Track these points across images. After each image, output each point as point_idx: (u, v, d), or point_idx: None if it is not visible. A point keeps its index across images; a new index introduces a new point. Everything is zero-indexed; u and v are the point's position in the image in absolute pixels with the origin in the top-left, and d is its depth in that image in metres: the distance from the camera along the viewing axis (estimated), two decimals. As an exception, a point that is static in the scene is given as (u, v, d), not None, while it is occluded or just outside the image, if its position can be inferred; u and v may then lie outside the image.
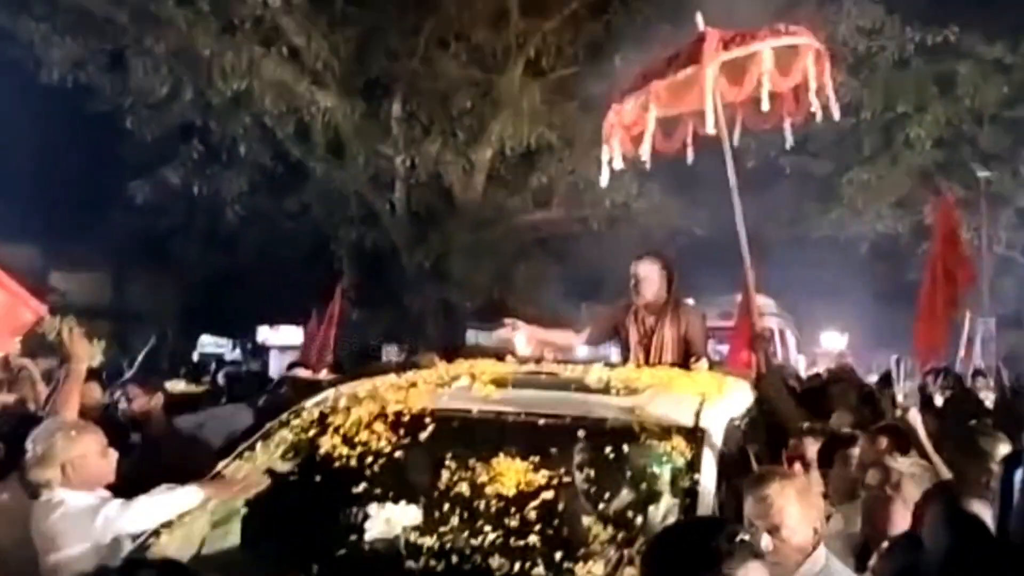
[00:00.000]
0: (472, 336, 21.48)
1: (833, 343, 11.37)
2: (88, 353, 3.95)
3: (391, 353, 19.83)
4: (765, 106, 5.17)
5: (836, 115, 5.78)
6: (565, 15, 16.32)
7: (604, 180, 5.90)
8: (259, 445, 3.55)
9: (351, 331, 16.88)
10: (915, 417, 3.77)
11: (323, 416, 3.55)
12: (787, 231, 20.03)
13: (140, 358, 11.36)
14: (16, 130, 17.14)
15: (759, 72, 5.11)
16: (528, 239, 19.08)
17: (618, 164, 5.76)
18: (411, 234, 17.59)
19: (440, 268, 17.44)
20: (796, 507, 2.65)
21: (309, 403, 3.74)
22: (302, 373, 8.31)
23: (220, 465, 3.47)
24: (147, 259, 20.93)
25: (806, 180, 20.07)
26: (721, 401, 3.61)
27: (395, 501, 3.07)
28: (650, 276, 5.01)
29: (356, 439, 3.32)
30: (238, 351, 20.43)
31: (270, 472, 3.37)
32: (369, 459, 3.25)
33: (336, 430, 3.40)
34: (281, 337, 19.03)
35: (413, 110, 17.09)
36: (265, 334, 20.07)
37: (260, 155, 16.96)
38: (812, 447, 3.93)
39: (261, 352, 18.51)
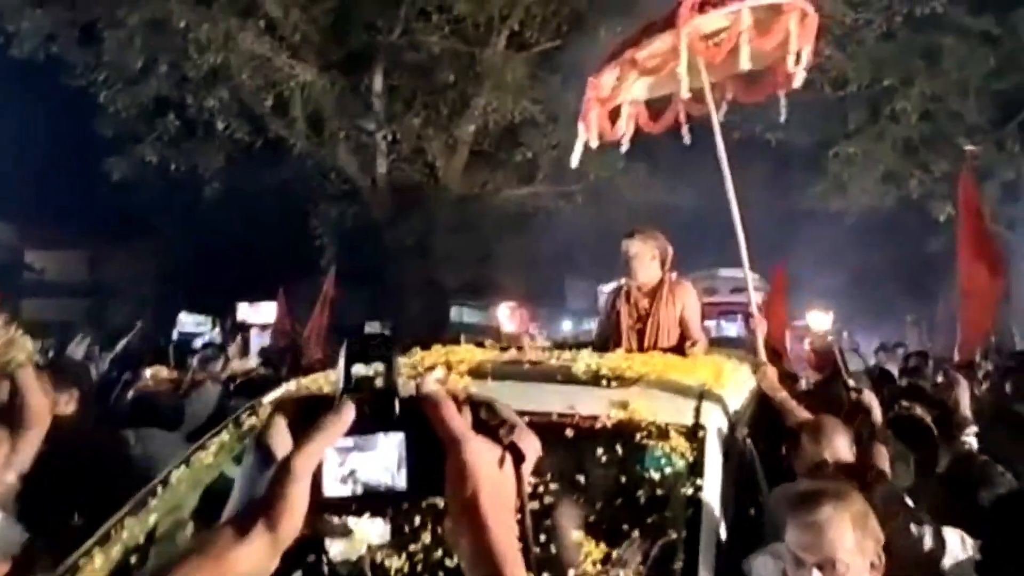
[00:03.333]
0: (456, 313, 21.28)
1: (819, 323, 11.09)
2: (28, 354, 3.44)
3: (374, 331, 19.60)
4: (745, 65, 4.87)
5: (799, 82, 5.53)
6: (548, -14, 16.01)
7: (575, 160, 5.62)
8: (211, 447, 3.20)
9: (333, 309, 16.62)
10: (870, 398, 3.59)
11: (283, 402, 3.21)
12: (772, 205, 19.85)
13: (124, 342, 11.08)
14: (-13, 106, 16.73)
15: (737, 32, 4.81)
16: (512, 215, 18.83)
17: (594, 143, 5.47)
18: (393, 210, 17.30)
19: (423, 245, 17.18)
20: (852, 536, 2.22)
21: (267, 399, 3.41)
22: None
23: (162, 475, 3.13)
24: (124, 236, 20.56)
25: (791, 154, 19.89)
26: (722, 393, 3.30)
27: (359, 514, 2.74)
28: (642, 254, 4.69)
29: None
30: (218, 330, 20.08)
31: (220, 480, 3.07)
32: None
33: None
34: (261, 315, 18.69)
35: (394, 84, 16.79)
36: (245, 312, 19.73)
37: (238, 130, 16.58)
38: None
39: (241, 330, 18.15)
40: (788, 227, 20.41)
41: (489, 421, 1.07)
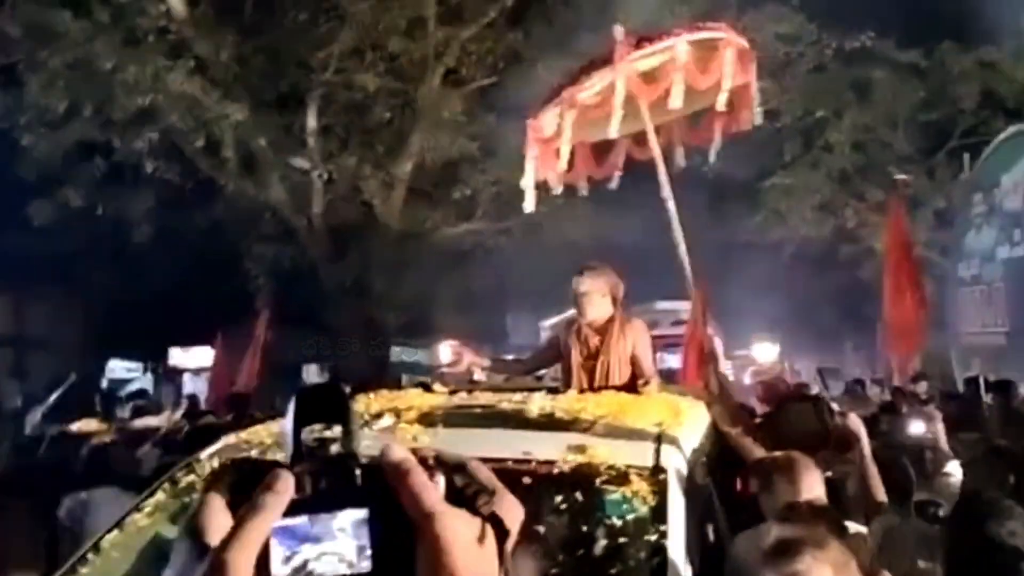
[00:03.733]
0: (397, 353, 21.02)
1: (765, 354, 11.08)
2: None
3: (312, 373, 19.26)
4: (676, 102, 4.82)
5: (758, 119, 5.53)
6: (483, 23, 16.04)
7: (529, 205, 5.51)
8: (145, 508, 2.95)
9: (270, 352, 16.29)
10: (856, 422, 3.46)
11: (218, 472, 2.97)
12: (710, 236, 20.00)
13: (58, 394, 10.64)
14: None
15: (673, 69, 4.77)
16: (452, 252, 18.69)
17: (531, 183, 5.37)
18: (330, 250, 17.04)
19: (361, 284, 16.94)
20: None
21: (205, 453, 3.18)
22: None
23: (93, 540, 2.87)
24: (50, 283, 19.91)
25: (728, 185, 20.11)
26: (681, 431, 3.15)
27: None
28: (592, 291, 4.53)
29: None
30: (149, 376, 19.55)
31: (155, 543, 2.83)
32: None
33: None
34: (194, 359, 18.23)
35: (329, 123, 16.59)
36: (178, 357, 19.22)
37: (168, 172, 16.20)
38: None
39: (173, 376, 17.68)
40: (727, 258, 20.54)
41: (465, 489, 0.88)
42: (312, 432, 0.89)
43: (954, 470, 3.99)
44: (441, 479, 0.87)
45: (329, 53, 15.45)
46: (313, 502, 0.85)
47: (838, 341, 23.29)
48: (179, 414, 9.56)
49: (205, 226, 17.67)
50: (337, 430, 0.88)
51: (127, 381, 17.91)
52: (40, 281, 18.71)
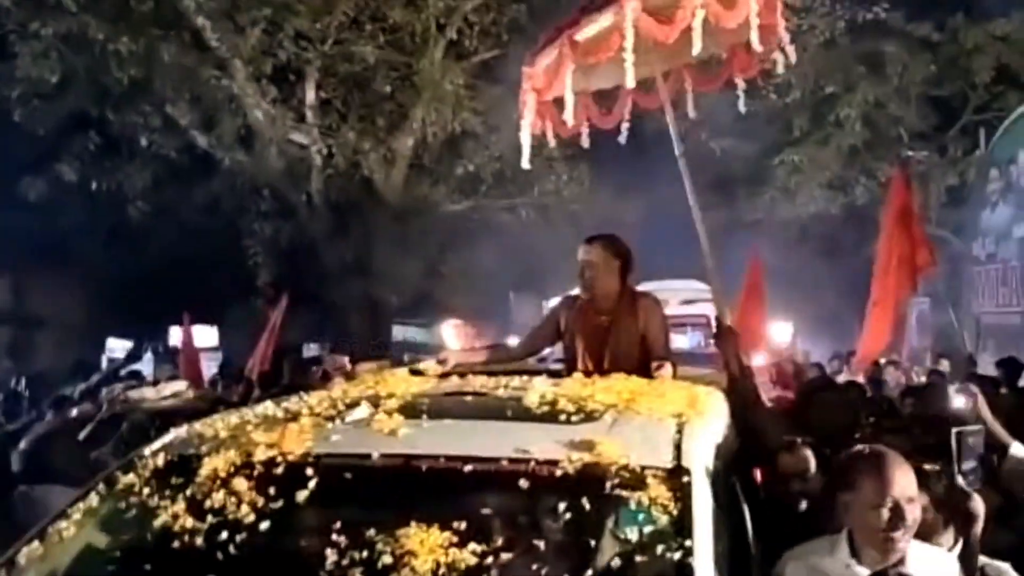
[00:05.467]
0: (399, 332, 20.73)
1: (779, 335, 10.68)
2: None
3: (313, 352, 18.96)
4: (696, 47, 4.31)
5: (792, 57, 5.08)
6: (487, -6, 15.58)
7: (526, 162, 5.08)
8: (72, 514, 2.54)
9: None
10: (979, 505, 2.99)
11: (166, 469, 2.59)
12: (719, 215, 19.65)
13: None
14: None
15: (693, 5, 4.23)
16: (455, 229, 18.31)
17: (528, 138, 4.94)
18: (330, 227, 16.67)
19: (362, 262, 16.57)
20: None
21: (148, 449, 2.76)
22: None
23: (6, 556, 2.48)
24: (47, 261, 19.55)
25: (736, 162, 19.72)
26: (703, 425, 2.75)
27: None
28: (601, 263, 4.10)
29: (207, 503, 2.36)
30: (149, 355, 19.19)
31: (87, 553, 2.45)
32: (224, 534, 2.27)
33: (181, 490, 2.44)
34: (195, 338, 17.86)
35: (328, 96, 16.16)
36: (177, 336, 18.86)
37: (164, 147, 15.79)
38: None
39: (173, 355, 17.31)
40: (734, 236, 20.17)
41: None
42: None
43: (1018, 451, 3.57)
44: None
45: (327, 24, 14.99)
46: None
47: (845, 322, 22.87)
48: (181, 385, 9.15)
49: (203, 203, 17.29)
50: None
51: (127, 360, 17.57)
52: (37, 259, 18.36)
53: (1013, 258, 15.04)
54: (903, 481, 2.61)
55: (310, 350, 19.74)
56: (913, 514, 2.60)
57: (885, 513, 2.57)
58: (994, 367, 6.88)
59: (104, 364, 17.63)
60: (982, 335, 15.45)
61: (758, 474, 3.50)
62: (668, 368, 3.80)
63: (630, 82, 4.36)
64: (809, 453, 3.56)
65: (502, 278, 21.10)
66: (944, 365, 10.02)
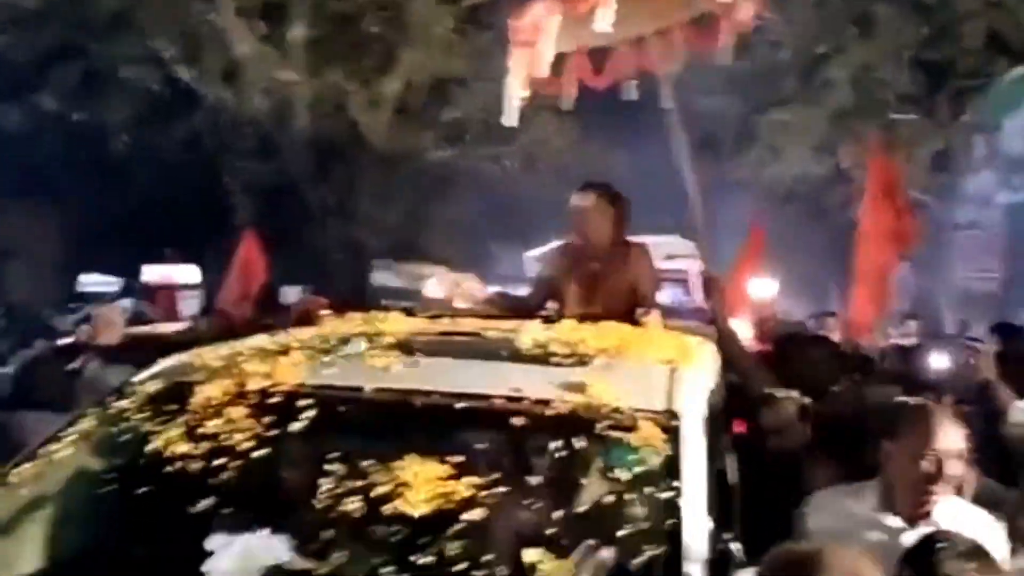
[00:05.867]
0: (380, 277, 20.66)
1: (763, 291, 10.66)
2: None
3: (290, 295, 18.84)
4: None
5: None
6: (479, -66, 15.31)
7: (509, 118, 5.01)
8: (68, 436, 2.54)
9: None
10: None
11: (159, 396, 2.58)
12: (704, 173, 19.62)
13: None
14: None
15: None
16: (439, 176, 18.19)
17: (514, 93, 4.88)
18: (313, 169, 16.52)
19: (344, 205, 16.48)
20: None
21: (138, 378, 2.77)
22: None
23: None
24: (22, 192, 19.27)
25: (723, 121, 19.68)
26: (693, 372, 2.77)
27: (254, 526, 2.15)
28: (596, 210, 4.09)
29: (200, 431, 2.36)
30: (124, 290, 19.01)
31: (78, 478, 2.44)
32: (218, 462, 2.28)
33: (174, 416, 2.44)
34: (172, 276, 17.71)
35: (314, 35, 15.89)
36: (152, 273, 18.69)
37: (146, 80, 15.56)
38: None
39: (149, 293, 17.16)
40: (718, 194, 20.18)
41: None
42: None
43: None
44: None
45: (317, -40, 14.76)
46: None
47: (825, 282, 22.98)
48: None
49: (185, 138, 17.06)
50: None
51: (101, 295, 17.38)
52: (11, 190, 18.07)
53: (994, 224, 15.14)
54: (950, 435, 2.60)
55: (288, 293, 19.61)
56: (955, 470, 2.59)
57: (926, 465, 2.56)
58: (988, 332, 6.90)
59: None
60: (959, 300, 15.60)
61: (741, 427, 3.52)
62: (655, 314, 3.81)
63: (604, 24, 4.30)
64: (790, 407, 3.59)
65: (484, 227, 21.06)
66: (912, 327, 10.06)
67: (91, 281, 18.49)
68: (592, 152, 17.26)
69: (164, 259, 17.63)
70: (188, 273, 17.32)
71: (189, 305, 14.53)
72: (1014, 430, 3.55)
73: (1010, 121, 14.85)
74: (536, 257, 15.73)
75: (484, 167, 18.07)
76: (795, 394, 3.56)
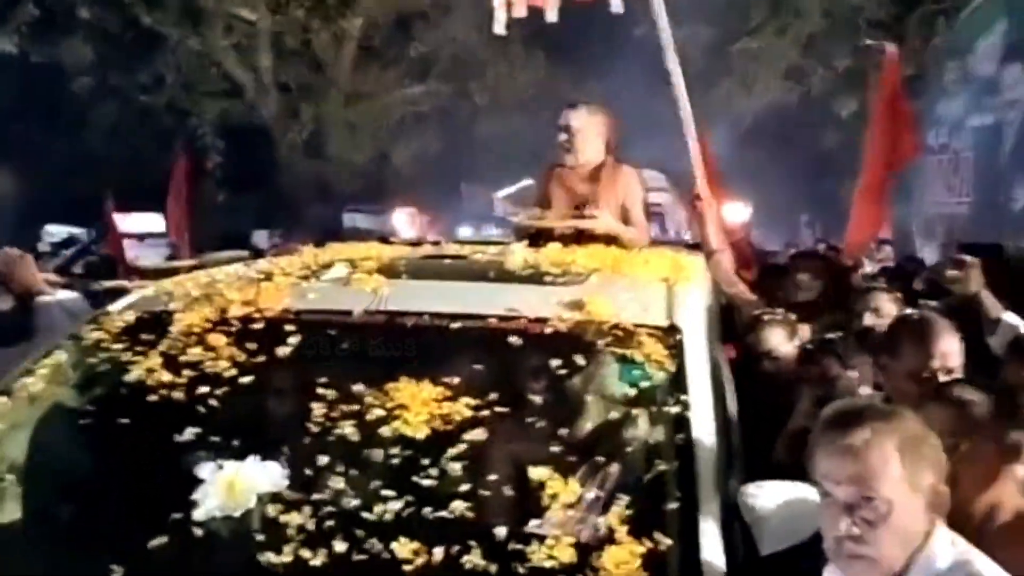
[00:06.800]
0: (350, 220, 20.45)
1: (736, 215, 10.62)
2: None
3: (262, 239, 18.61)
4: None
5: None
6: None
7: (499, 27, 4.85)
8: (43, 367, 2.43)
9: (217, 215, 15.60)
10: None
11: (136, 325, 2.46)
12: (672, 103, 19.47)
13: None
14: None
15: None
16: (406, 115, 17.93)
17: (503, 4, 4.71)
18: (281, 109, 16.26)
19: (312, 145, 16.22)
20: (901, 467, 1.63)
21: (116, 306, 2.64)
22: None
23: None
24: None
25: (693, 51, 19.46)
26: (690, 287, 2.69)
27: (242, 455, 2.05)
28: (586, 129, 3.95)
29: (183, 359, 2.26)
30: (94, 238, 18.65)
31: (55, 411, 2.33)
32: (202, 389, 2.17)
33: (153, 345, 2.33)
34: (137, 224, 17.38)
35: (276, -31, 15.56)
36: (119, 222, 18.36)
37: (106, 21, 15.13)
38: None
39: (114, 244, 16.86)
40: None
41: None
42: None
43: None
44: None
45: None
46: None
47: (795, 213, 23.00)
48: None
49: (147, 81, 16.66)
50: None
51: (69, 243, 17.04)
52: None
53: (965, 148, 15.06)
54: (946, 350, 2.55)
55: (259, 237, 19.37)
56: None
57: (926, 377, 2.48)
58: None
59: (45, 249, 17.13)
60: (931, 224, 15.59)
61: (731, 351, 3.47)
62: (644, 235, 3.73)
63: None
64: (779, 330, 3.54)
65: (454, 167, 20.85)
66: (888, 252, 10.06)
67: (59, 232, 18.11)
68: (564, 86, 17.08)
69: (128, 208, 17.30)
70: (153, 222, 17.00)
71: (152, 254, 14.20)
72: (1002, 338, 3.52)
73: (984, 41, 14.69)
74: (504, 196, 15.58)
75: (452, 105, 17.82)
76: (791, 316, 3.51)
